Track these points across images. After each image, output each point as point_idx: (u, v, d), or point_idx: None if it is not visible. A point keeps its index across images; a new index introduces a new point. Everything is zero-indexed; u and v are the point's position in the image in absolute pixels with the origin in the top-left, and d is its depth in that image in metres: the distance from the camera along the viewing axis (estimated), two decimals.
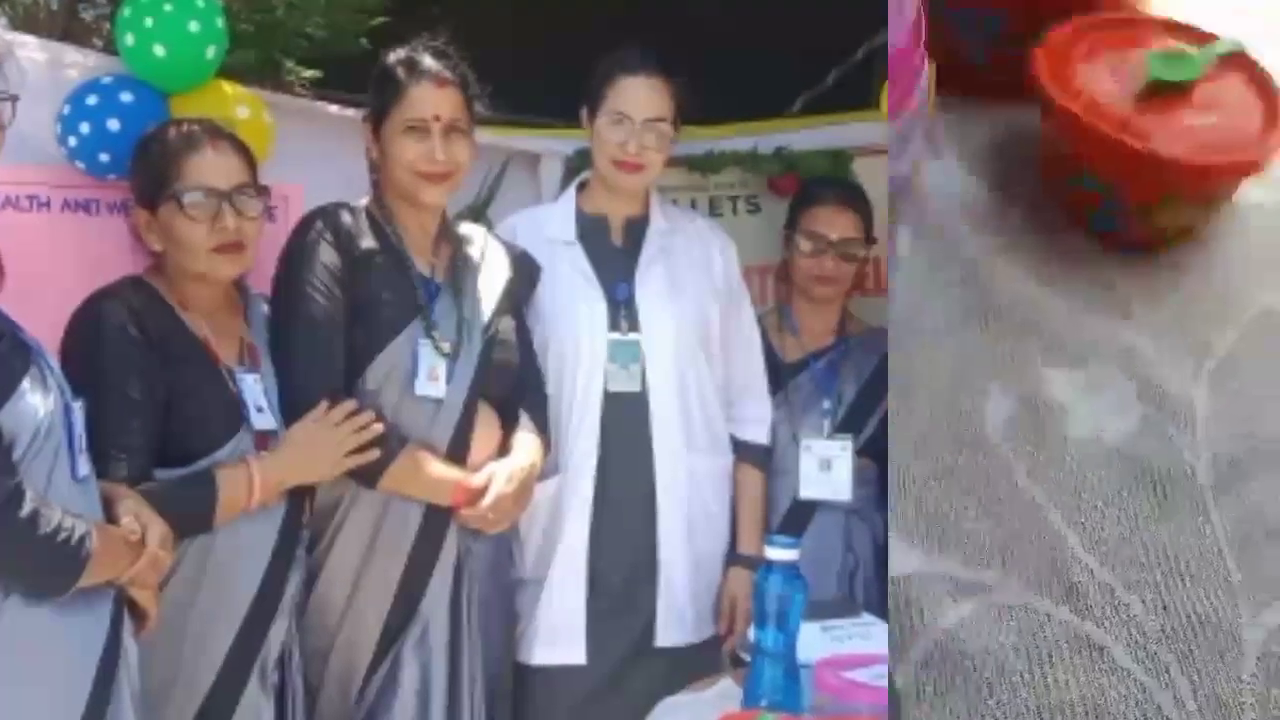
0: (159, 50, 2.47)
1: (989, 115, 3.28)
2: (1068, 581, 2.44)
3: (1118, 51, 2.99)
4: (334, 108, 2.93)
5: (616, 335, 2.60)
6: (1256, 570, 2.46)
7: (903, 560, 2.47)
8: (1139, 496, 2.58)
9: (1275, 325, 2.90)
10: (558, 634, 2.57)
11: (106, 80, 2.51)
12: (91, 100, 2.47)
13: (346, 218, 2.41)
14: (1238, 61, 2.95)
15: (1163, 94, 2.88)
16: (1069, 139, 2.89)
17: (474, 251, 2.54)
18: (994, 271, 2.97)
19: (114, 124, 2.45)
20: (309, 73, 3.20)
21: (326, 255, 2.36)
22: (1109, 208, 2.92)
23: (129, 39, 2.48)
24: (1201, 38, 3.00)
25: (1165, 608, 2.41)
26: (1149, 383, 2.76)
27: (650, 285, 2.65)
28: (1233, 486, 2.60)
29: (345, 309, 2.36)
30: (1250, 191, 3.03)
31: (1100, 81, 2.92)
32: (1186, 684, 2.30)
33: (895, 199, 2.86)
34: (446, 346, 2.40)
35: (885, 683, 1.96)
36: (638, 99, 2.58)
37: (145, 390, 2.14)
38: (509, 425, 2.49)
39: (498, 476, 2.40)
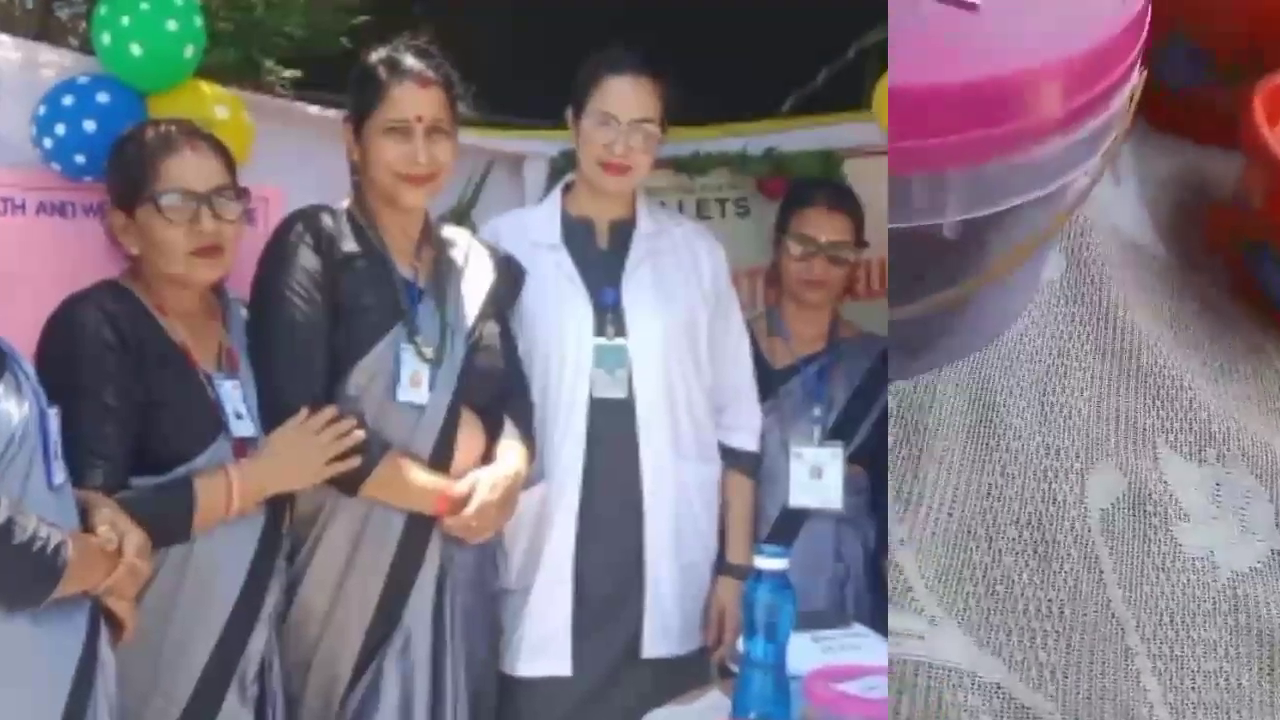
0: (136, 49, 2.43)
1: (1185, 155, 3.00)
2: None
3: None
4: (315, 108, 2.90)
5: (603, 340, 2.57)
6: None
7: (948, 643, 2.12)
8: (1246, 660, 2.14)
9: None
10: (543, 645, 2.54)
11: (83, 80, 2.47)
12: (67, 100, 2.44)
13: (327, 220, 2.39)
14: None
15: None
16: (1268, 196, 2.62)
17: (457, 255, 2.52)
18: (1142, 328, 2.62)
19: (90, 125, 2.42)
20: (289, 72, 3.18)
21: (306, 259, 2.33)
22: None
23: (105, 38, 2.45)
24: None
25: None
26: None
27: (637, 289, 2.62)
28: None
29: (326, 313, 2.33)
30: None
31: None
32: None
33: (1063, 206, 2.42)
34: (429, 352, 2.37)
35: (878, 694, 1.94)
36: (624, 99, 2.55)
37: (122, 396, 2.11)
38: (493, 432, 2.46)
39: (481, 484, 2.37)
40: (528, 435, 2.51)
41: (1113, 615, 2.21)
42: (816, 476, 2.71)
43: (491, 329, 2.49)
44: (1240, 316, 2.75)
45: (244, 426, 2.23)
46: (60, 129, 2.43)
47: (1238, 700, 2.11)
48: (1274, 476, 2.46)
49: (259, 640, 2.22)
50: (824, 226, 2.79)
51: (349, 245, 2.39)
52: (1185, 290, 2.78)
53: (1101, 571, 2.26)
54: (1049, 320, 2.69)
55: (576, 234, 2.66)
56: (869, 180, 2.85)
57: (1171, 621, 2.20)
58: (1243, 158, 2.74)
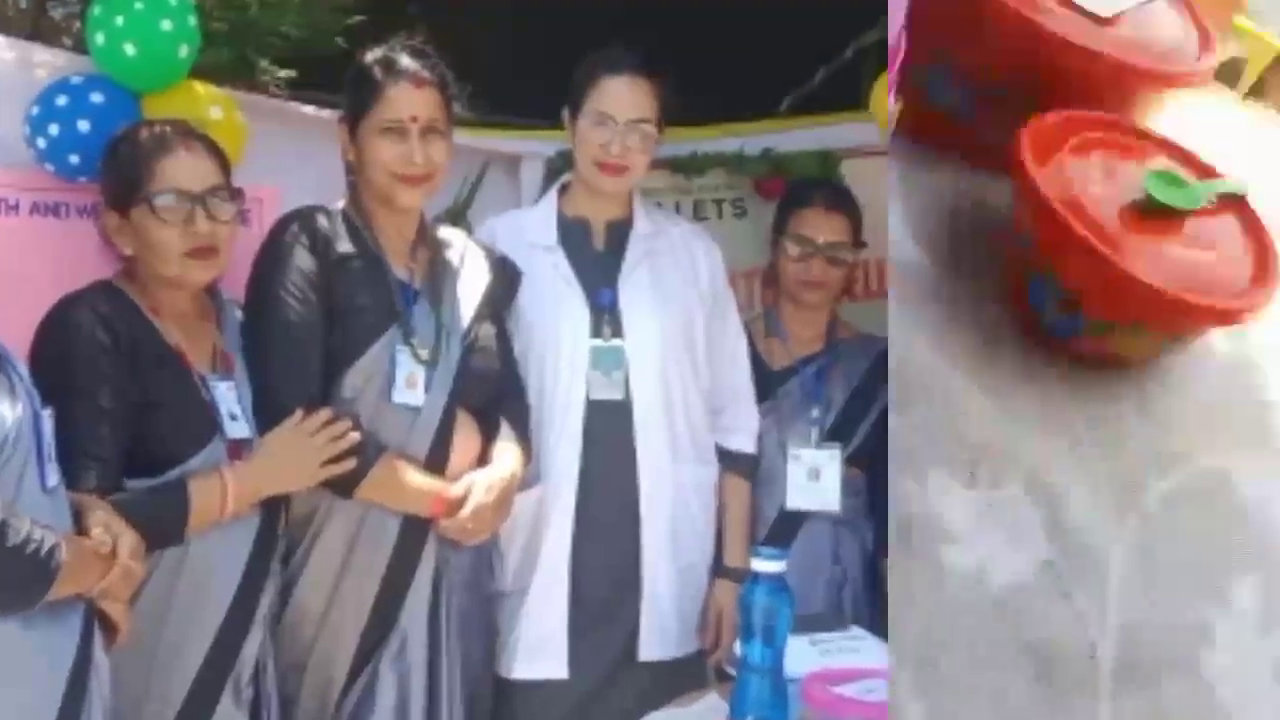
0: (130, 49, 2.43)
1: (957, 177, 2.84)
2: None
3: (1112, 157, 2.67)
4: (310, 108, 2.91)
5: (599, 341, 2.57)
6: None
7: None
8: (1018, 670, 2.10)
9: (1214, 487, 2.43)
10: (539, 647, 2.54)
11: (76, 80, 2.48)
12: (61, 101, 2.44)
13: (322, 221, 2.38)
14: (1236, 205, 2.62)
15: (1153, 216, 2.54)
16: (1041, 234, 2.57)
17: (453, 256, 2.50)
18: (912, 348, 2.53)
19: (84, 125, 2.42)
20: (284, 72, 3.19)
21: (302, 259, 2.32)
22: (1062, 316, 2.59)
23: (99, 38, 2.45)
24: (1202, 170, 2.68)
25: None
26: (1059, 525, 2.32)
27: (634, 290, 2.61)
28: (1139, 679, 2.11)
29: (321, 314, 2.32)
30: (1217, 339, 2.63)
31: (1088, 182, 2.59)
32: None
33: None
34: (425, 353, 2.36)
35: (876, 697, 1.93)
36: (621, 99, 2.55)
37: (116, 398, 2.10)
38: (489, 434, 2.45)
39: (477, 486, 2.36)
40: (524, 437, 2.49)
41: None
42: (814, 478, 2.71)
43: (487, 330, 2.48)
44: (1014, 335, 2.63)
45: (239, 428, 2.22)
46: (54, 129, 2.43)
47: (1004, 712, 2.08)
48: (1045, 490, 2.38)
49: (254, 642, 2.21)
50: (822, 227, 2.78)
51: (344, 246, 2.37)
52: (958, 312, 2.64)
53: None
54: None
55: (573, 235, 2.66)
56: (867, 180, 2.84)
57: (937, 641, 2.12)
58: (1014, 192, 2.65)
